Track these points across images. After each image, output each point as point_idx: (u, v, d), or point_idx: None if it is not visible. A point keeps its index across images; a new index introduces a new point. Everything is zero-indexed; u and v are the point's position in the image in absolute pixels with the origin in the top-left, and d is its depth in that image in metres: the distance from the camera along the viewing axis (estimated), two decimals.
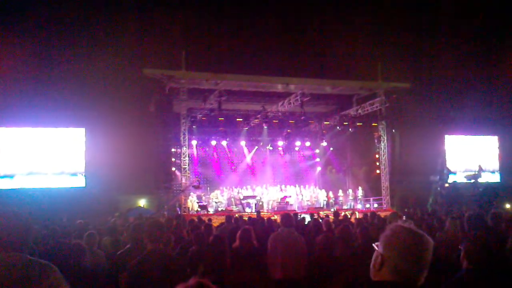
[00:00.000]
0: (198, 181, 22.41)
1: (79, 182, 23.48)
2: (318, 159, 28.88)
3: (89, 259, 6.23)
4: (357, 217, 13.86)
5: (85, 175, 23.55)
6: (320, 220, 11.95)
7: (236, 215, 15.52)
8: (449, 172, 25.46)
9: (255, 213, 16.94)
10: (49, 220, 14.61)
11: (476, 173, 25.26)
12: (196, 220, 11.84)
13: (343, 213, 15.83)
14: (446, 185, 24.22)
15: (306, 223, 10.46)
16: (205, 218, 14.13)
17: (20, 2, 22.95)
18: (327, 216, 15.25)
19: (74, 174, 23.48)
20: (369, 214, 13.72)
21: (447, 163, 26.48)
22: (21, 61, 23.14)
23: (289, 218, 6.81)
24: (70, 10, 24.09)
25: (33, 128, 23.31)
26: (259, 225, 10.47)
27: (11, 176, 22.57)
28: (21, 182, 22.54)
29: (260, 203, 22.79)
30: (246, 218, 13.42)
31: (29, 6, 23.11)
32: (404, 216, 11.64)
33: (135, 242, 5.41)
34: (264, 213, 19.59)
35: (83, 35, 24.41)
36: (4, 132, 23.09)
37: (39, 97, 23.18)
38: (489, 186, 24.89)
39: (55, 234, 9.05)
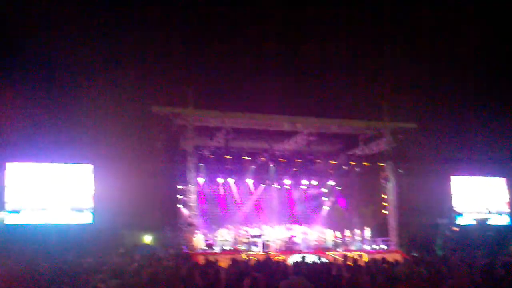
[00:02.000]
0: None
1: (87, 218, 23.40)
2: (325, 198, 28.72)
3: None
4: (365, 260, 13.75)
5: (93, 212, 23.49)
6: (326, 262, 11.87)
7: (243, 255, 15.45)
8: (456, 214, 25.30)
9: (263, 253, 16.80)
10: (55, 258, 14.61)
11: (485, 218, 25.11)
12: (204, 262, 11.76)
13: (351, 255, 15.72)
14: (454, 228, 24.02)
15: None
16: (211, 258, 14.03)
17: (31, 39, 23.42)
18: (335, 259, 15.14)
19: (82, 210, 23.44)
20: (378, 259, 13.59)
21: (453, 205, 26.31)
22: (31, 97, 23.47)
23: (299, 266, 6.80)
24: (80, 47, 24.56)
25: (42, 163, 23.41)
26: (267, 268, 10.41)
27: (18, 211, 22.55)
28: (28, 217, 22.51)
29: (267, 242, 22.61)
30: (254, 258, 13.34)
31: (40, 43, 23.59)
32: (415, 262, 11.53)
33: None
34: (271, 253, 19.45)
35: (92, 73, 24.79)
36: (13, 167, 23.16)
37: (48, 133, 23.40)
38: (499, 230, 24.73)
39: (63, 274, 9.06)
